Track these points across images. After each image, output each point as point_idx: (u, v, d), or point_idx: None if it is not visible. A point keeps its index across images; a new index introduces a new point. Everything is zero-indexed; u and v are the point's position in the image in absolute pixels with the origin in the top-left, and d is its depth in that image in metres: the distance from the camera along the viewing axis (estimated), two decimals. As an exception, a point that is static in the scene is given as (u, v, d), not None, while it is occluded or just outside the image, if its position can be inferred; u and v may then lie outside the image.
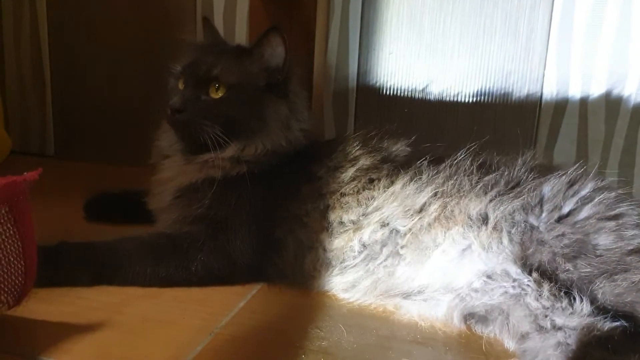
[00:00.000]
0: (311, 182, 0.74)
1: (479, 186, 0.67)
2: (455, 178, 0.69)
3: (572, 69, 0.96)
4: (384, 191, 0.71)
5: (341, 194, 0.72)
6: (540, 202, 0.65)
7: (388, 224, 0.69)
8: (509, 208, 0.64)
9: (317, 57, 1.05)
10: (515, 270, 0.61)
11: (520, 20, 0.97)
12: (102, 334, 0.59)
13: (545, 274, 0.60)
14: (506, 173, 0.68)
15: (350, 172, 0.73)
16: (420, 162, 0.71)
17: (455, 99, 1.03)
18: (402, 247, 0.68)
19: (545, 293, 0.58)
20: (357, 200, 0.71)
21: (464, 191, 0.68)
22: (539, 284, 0.59)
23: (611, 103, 0.96)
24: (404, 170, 0.72)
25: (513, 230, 0.63)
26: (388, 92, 1.06)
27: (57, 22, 1.22)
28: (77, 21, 1.21)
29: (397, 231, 0.68)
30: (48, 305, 0.63)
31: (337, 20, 1.05)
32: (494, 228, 0.64)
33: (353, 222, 0.70)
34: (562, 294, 0.58)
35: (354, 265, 0.69)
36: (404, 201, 0.69)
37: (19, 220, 0.57)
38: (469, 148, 0.71)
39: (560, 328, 0.55)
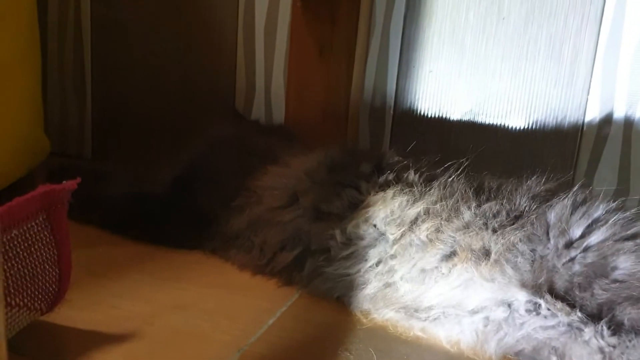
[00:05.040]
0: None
1: (478, 217, 0.66)
2: (449, 201, 0.68)
3: (617, 94, 0.94)
4: (374, 194, 0.71)
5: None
6: (547, 230, 0.63)
7: (375, 225, 0.69)
8: (512, 239, 0.63)
9: (356, 72, 1.05)
10: (526, 295, 0.60)
11: (565, 44, 0.95)
12: (132, 344, 0.59)
13: (565, 300, 0.58)
14: (506, 202, 0.67)
15: None
16: (413, 176, 0.72)
17: (495, 122, 1.01)
18: (391, 257, 0.68)
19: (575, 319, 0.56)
20: (339, 197, 0.73)
21: (462, 221, 0.66)
22: (564, 311, 0.57)
23: (656, 130, 0.94)
24: (396, 182, 0.72)
25: (519, 259, 0.61)
26: (426, 111, 1.05)
27: (101, 27, 1.24)
28: (121, 26, 1.23)
29: (385, 236, 0.68)
30: (80, 313, 0.63)
31: (378, 35, 1.04)
32: (496, 261, 0.62)
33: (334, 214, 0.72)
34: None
35: (340, 258, 0.70)
36: (392, 209, 0.69)
37: (55, 228, 0.57)
38: (461, 167, 0.71)
39: None
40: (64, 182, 0.57)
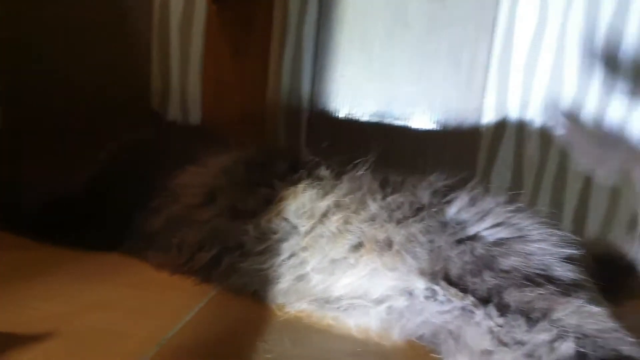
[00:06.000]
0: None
1: (383, 209, 0.70)
2: (357, 194, 0.72)
3: (510, 97, 1.02)
4: (286, 190, 0.74)
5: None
6: (444, 222, 0.68)
7: (287, 218, 0.72)
8: (413, 230, 0.67)
9: (271, 75, 1.07)
10: (424, 282, 0.64)
11: (463, 51, 1.02)
12: (50, 344, 0.59)
13: (458, 286, 0.63)
14: (409, 195, 0.71)
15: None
16: (324, 172, 0.75)
17: (400, 123, 1.06)
18: (303, 249, 0.71)
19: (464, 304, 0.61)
20: (255, 196, 0.75)
21: (369, 213, 0.70)
22: (458, 296, 0.62)
23: (545, 130, 1.02)
24: (308, 178, 0.76)
25: (419, 249, 0.66)
26: (339, 114, 1.09)
27: (8, 30, 1.20)
28: (31, 29, 1.20)
29: (297, 229, 0.72)
30: (-5, 315, 0.63)
31: (292, 40, 1.07)
32: (398, 251, 0.67)
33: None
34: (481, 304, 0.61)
35: (255, 253, 0.72)
36: (303, 201, 0.72)
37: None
38: (369, 163, 0.75)
39: (523, 343, 0.57)
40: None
